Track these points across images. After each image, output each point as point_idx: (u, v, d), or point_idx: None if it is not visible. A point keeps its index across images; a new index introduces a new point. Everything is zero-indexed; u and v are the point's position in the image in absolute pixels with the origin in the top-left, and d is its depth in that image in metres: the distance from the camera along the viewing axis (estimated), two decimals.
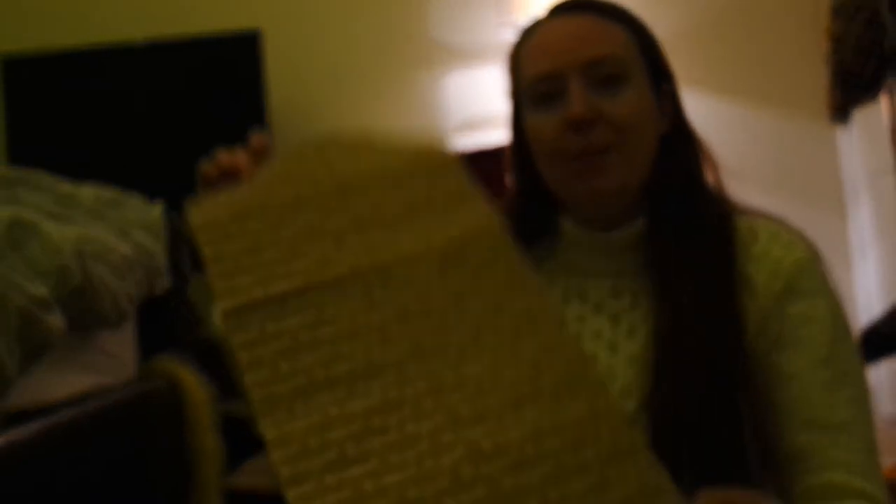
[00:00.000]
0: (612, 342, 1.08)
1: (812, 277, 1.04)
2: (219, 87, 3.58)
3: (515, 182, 1.17)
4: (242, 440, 2.55)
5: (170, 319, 2.19)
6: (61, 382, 1.65)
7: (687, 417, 0.98)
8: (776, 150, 3.48)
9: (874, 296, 3.06)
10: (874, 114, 2.76)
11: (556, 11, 1.10)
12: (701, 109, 3.55)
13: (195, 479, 1.98)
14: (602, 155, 1.04)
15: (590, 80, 1.04)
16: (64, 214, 1.80)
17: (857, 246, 3.33)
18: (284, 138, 3.63)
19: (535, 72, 1.07)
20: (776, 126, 3.56)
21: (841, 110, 2.37)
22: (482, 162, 3.16)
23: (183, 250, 2.27)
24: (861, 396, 1.00)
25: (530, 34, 1.10)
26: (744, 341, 1.01)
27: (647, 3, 3.40)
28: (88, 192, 1.99)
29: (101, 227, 1.86)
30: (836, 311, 1.03)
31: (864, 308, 3.15)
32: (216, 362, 2.31)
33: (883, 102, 2.56)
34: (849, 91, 2.33)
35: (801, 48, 3.51)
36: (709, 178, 1.11)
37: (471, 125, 3.47)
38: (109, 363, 1.88)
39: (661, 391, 1.00)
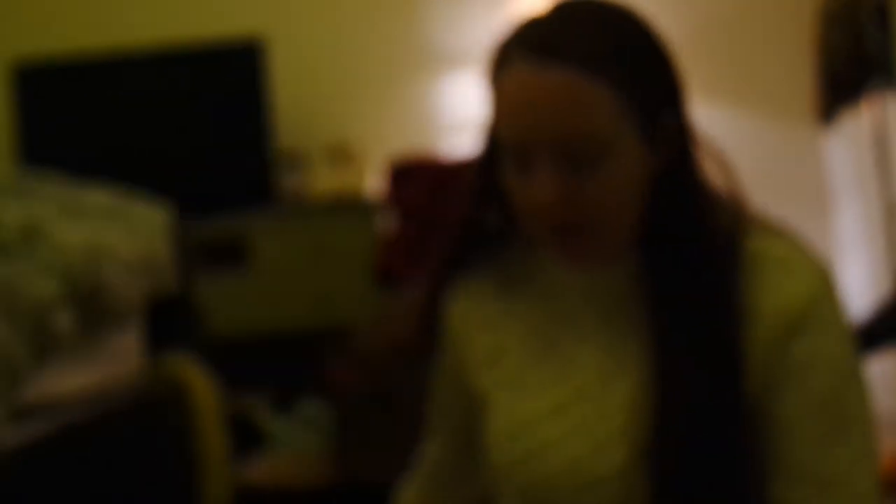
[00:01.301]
0: (604, 374, 0.99)
1: (821, 312, 0.93)
2: (222, 93, 3.62)
3: (478, 185, 1.05)
4: (248, 438, 2.58)
5: (177, 319, 2.20)
6: (69, 380, 1.67)
7: (689, 467, 0.92)
8: (761, 152, 3.50)
9: (860, 298, 3.08)
10: (859, 118, 2.78)
11: (531, 49, 0.91)
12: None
13: (202, 477, 1.99)
14: (575, 235, 0.94)
15: (561, 158, 0.91)
16: (73, 216, 1.82)
17: (843, 248, 3.34)
18: (284, 142, 3.67)
19: (502, 136, 0.95)
20: (761, 129, 3.58)
21: (826, 114, 2.39)
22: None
23: (188, 251, 2.29)
24: (862, 445, 0.93)
25: (502, 69, 0.94)
26: (747, 383, 0.93)
27: (637, 9, 3.43)
28: (98, 195, 2.01)
29: (110, 228, 1.88)
30: (843, 350, 0.94)
31: (850, 310, 3.15)
32: (222, 361, 2.35)
33: (866, 107, 2.59)
34: (833, 95, 2.35)
35: (786, 52, 3.54)
36: (722, 186, 0.99)
37: (469, 128, 3.49)
38: (117, 362, 1.89)
39: (661, 440, 0.93)
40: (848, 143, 3.22)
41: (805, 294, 0.93)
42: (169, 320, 2.17)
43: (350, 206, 3.46)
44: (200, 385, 2.02)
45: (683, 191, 0.96)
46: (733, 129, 3.57)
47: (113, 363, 1.87)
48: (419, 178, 3.18)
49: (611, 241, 0.96)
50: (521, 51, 0.92)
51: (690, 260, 0.95)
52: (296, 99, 3.78)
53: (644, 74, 0.93)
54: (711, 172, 0.99)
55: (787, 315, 0.93)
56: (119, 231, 1.90)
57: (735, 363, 0.93)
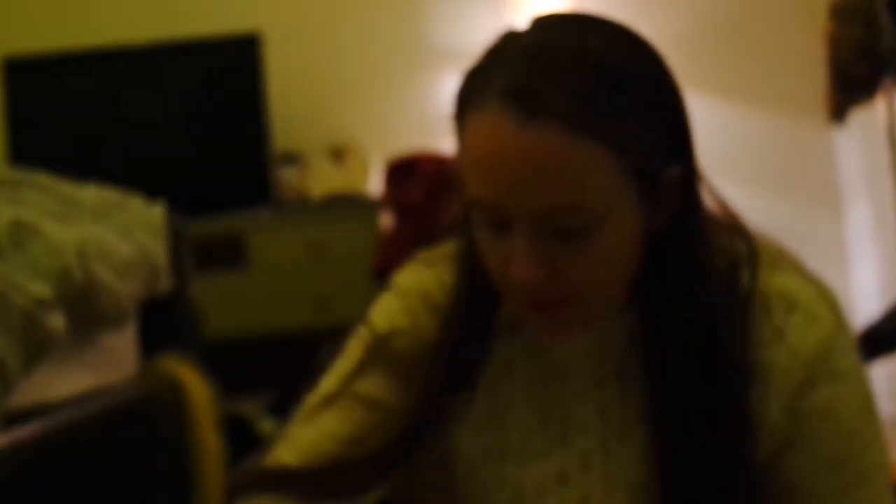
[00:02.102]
0: (604, 443, 0.91)
1: (834, 361, 0.87)
2: (218, 89, 3.59)
3: (465, 247, 0.91)
4: (245, 440, 2.56)
5: (171, 319, 2.19)
6: (63, 383, 1.65)
7: None
8: (773, 151, 3.48)
9: (871, 296, 3.06)
10: (871, 115, 2.76)
11: (511, 97, 0.76)
12: (698, 111, 3.52)
13: (197, 480, 1.97)
14: (558, 308, 0.82)
15: (545, 227, 0.78)
16: (66, 215, 1.80)
17: (854, 247, 3.33)
18: (283, 141, 3.65)
19: (474, 190, 0.80)
20: (773, 127, 3.56)
21: (838, 111, 2.38)
22: None
23: (184, 250, 2.27)
24: (878, 496, 0.87)
25: (473, 108, 0.79)
26: (758, 450, 0.86)
27: (645, 5, 3.42)
28: (90, 193, 1.99)
29: (102, 227, 1.86)
30: (857, 398, 0.88)
31: (861, 309, 3.15)
32: (219, 363, 2.33)
33: (880, 103, 2.57)
34: (846, 92, 2.33)
35: (798, 49, 3.52)
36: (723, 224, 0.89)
37: None
38: (111, 363, 1.88)
39: None
40: (860, 141, 3.20)
41: (816, 345, 0.86)
42: (165, 321, 2.15)
43: (350, 205, 3.44)
44: (196, 386, 2.00)
45: (684, 244, 0.85)
46: (743, 127, 3.55)
47: (107, 365, 1.86)
48: (417, 176, 3.16)
49: (599, 310, 0.86)
50: (499, 95, 0.76)
51: (690, 317, 0.85)
52: (295, 97, 3.76)
53: (645, 125, 0.78)
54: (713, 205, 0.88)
55: (799, 368, 0.86)
56: (113, 231, 1.89)
57: (744, 428, 0.85)
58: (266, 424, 2.67)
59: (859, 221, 3.30)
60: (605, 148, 0.75)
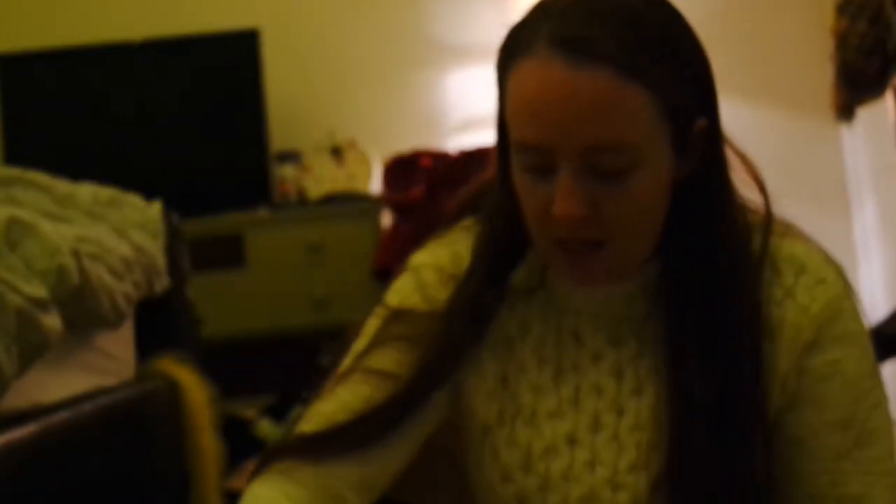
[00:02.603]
0: (617, 402, 0.95)
1: (841, 323, 0.91)
2: (217, 86, 3.57)
3: (501, 198, 0.96)
4: (242, 441, 2.54)
5: (169, 320, 2.17)
6: (59, 383, 1.64)
7: (707, 494, 0.88)
8: (780, 148, 3.47)
9: (879, 295, 3.05)
10: (879, 112, 2.74)
11: (562, 44, 0.82)
12: None
13: (195, 481, 1.96)
14: (592, 250, 0.88)
15: (587, 167, 0.84)
16: (61, 214, 1.79)
17: (862, 245, 3.31)
18: (282, 139, 3.63)
19: (519, 135, 0.86)
20: (780, 125, 3.55)
21: (845, 108, 2.36)
22: (482, 161, 3.16)
23: (182, 250, 2.25)
24: (882, 459, 0.90)
25: (522, 55, 0.85)
26: (770, 403, 0.90)
27: None
28: (86, 192, 1.97)
29: (99, 226, 1.85)
30: (863, 361, 0.91)
31: (869, 308, 3.13)
32: (217, 363, 2.31)
33: (888, 100, 2.54)
34: (853, 89, 2.32)
35: (804, 46, 3.50)
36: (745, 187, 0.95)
37: (470, 124, 3.46)
38: (107, 364, 1.87)
39: (680, 466, 0.89)
40: (868, 139, 3.19)
41: (825, 307, 0.90)
42: (162, 321, 2.14)
43: (350, 204, 3.42)
44: (193, 387, 2.00)
45: (710, 197, 0.91)
46: (750, 124, 3.54)
47: (104, 365, 1.85)
48: (417, 174, 3.14)
49: (630, 256, 0.91)
50: (550, 42, 0.83)
51: (711, 271, 0.90)
52: (294, 95, 3.74)
53: (682, 78, 0.86)
54: (738, 173, 0.94)
55: (807, 327, 0.90)
56: (109, 230, 1.87)
57: (757, 380, 0.89)
58: (264, 426, 2.65)
59: (867, 219, 3.29)
60: (647, 91, 0.82)
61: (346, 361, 1.01)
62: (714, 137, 0.91)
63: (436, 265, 1.03)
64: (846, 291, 0.93)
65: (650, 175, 0.85)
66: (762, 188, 0.95)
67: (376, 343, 0.99)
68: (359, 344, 1.01)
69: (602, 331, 0.96)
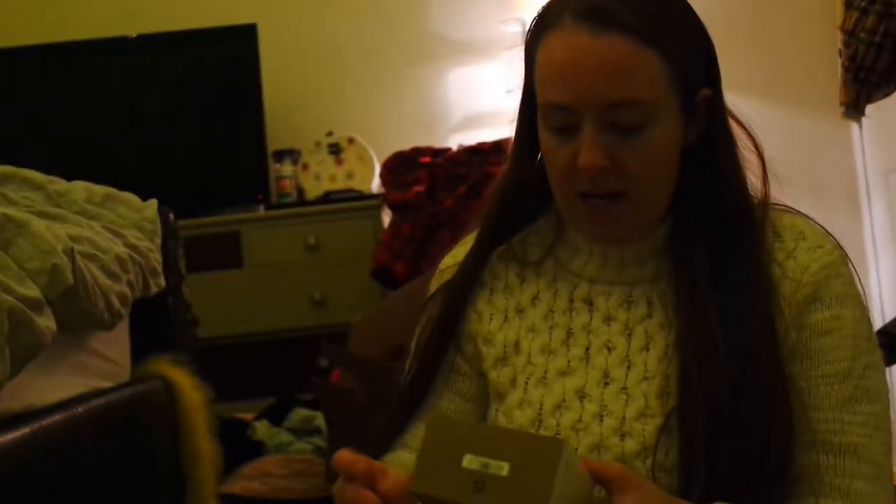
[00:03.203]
0: (626, 358, 1.02)
1: (838, 284, 0.98)
2: (215, 83, 3.55)
3: (514, 166, 1.10)
4: (239, 443, 2.53)
5: (165, 320, 2.15)
6: (52, 385, 1.62)
7: (715, 435, 0.92)
8: (789, 147, 3.43)
9: (888, 294, 3.03)
10: (889, 109, 2.71)
11: (585, 15, 0.95)
12: None
13: (191, 484, 1.95)
14: (613, 202, 0.98)
15: (608, 123, 0.95)
16: (55, 213, 1.77)
17: (871, 244, 3.29)
18: (280, 135, 3.61)
19: (548, 97, 0.98)
20: (789, 123, 3.53)
21: (854, 106, 2.33)
22: (483, 157, 3.13)
23: (178, 249, 2.23)
24: (879, 416, 0.95)
25: (549, 30, 0.98)
26: (777, 353, 0.95)
27: None
28: (80, 190, 1.95)
29: (93, 225, 1.83)
30: (860, 322, 0.98)
31: (878, 307, 3.11)
32: (213, 364, 2.29)
33: None
34: (862, 85, 2.29)
35: (813, 42, 3.49)
36: (751, 165, 1.04)
37: (471, 122, 3.45)
38: (102, 365, 1.85)
39: (687, 411, 0.94)
40: (879, 137, 3.17)
41: (822, 268, 0.98)
42: (158, 322, 2.12)
43: (349, 202, 3.39)
44: (189, 389, 1.98)
45: (716, 162, 1.01)
46: (760, 123, 3.49)
47: (98, 367, 1.83)
48: (417, 172, 3.12)
49: (646, 210, 1.00)
50: (574, 15, 0.95)
51: (720, 230, 0.99)
52: (292, 92, 3.72)
53: (689, 49, 0.98)
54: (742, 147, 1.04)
55: (807, 283, 0.97)
56: (104, 229, 1.86)
57: (766, 333, 0.95)
58: (261, 428, 2.64)
59: (877, 219, 3.27)
60: (660, 56, 0.95)
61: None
62: (718, 107, 1.02)
63: (455, 262, 1.16)
64: (843, 259, 1.00)
65: (662, 132, 0.96)
66: (760, 153, 1.04)
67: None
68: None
69: (614, 294, 1.05)
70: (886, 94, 2.34)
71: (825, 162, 3.49)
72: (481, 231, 1.13)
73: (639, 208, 1.00)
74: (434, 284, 1.17)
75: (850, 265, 1.01)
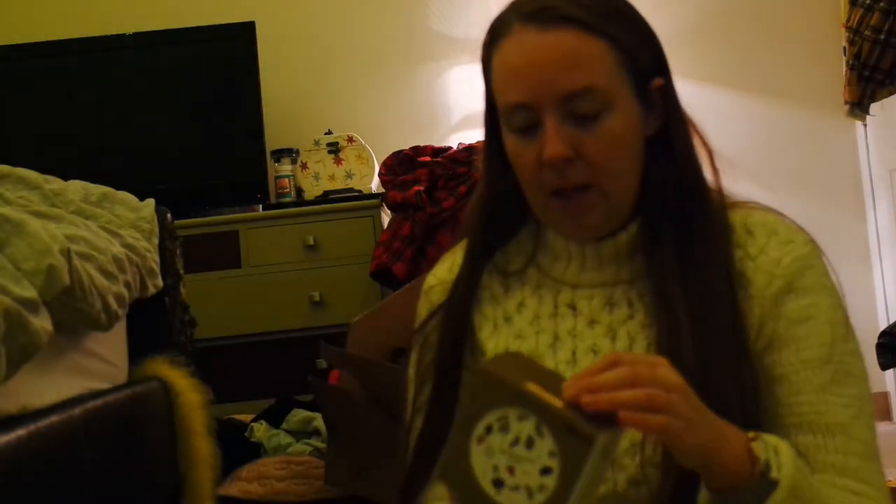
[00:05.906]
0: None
1: (812, 275, 1.00)
2: (213, 82, 3.54)
3: (488, 181, 1.12)
4: (237, 445, 2.51)
5: (162, 320, 2.14)
6: (49, 386, 1.61)
7: None
8: (793, 146, 3.44)
9: (892, 293, 3.01)
10: (894, 107, 2.69)
11: (531, 16, 1.00)
12: (716, 105, 3.51)
13: (188, 486, 1.94)
14: (582, 192, 1.01)
15: (567, 113, 0.98)
16: (52, 212, 1.76)
17: (876, 243, 3.27)
18: (279, 135, 3.59)
19: (507, 98, 1.01)
20: (793, 122, 3.51)
21: (859, 104, 2.31)
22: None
23: (175, 249, 2.22)
24: (861, 398, 0.97)
25: (501, 38, 1.02)
26: (749, 347, 0.98)
27: None
28: (77, 190, 1.95)
29: (90, 225, 1.82)
30: (836, 310, 1.00)
31: (882, 307, 3.09)
32: (211, 364, 2.28)
33: None
34: (867, 83, 2.27)
35: (817, 41, 3.48)
36: (705, 166, 1.07)
37: (471, 121, 3.44)
38: (99, 366, 1.84)
39: None
40: (883, 136, 3.15)
41: (795, 260, 1.00)
42: (156, 322, 2.11)
43: (348, 202, 3.38)
44: (186, 390, 1.97)
45: (675, 150, 1.03)
46: (764, 122, 3.51)
47: (95, 368, 1.82)
48: (416, 171, 3.11)
49: (616, 201, 1.02)
50: (522, 18, 1.00)
51: (688, 222, 1.02)
52: (291, 91, 3.71)
53: (636, 39, 1.02)
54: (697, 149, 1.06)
55: (780, 276, 0.99)
56: (101, 229, 1.85)
57: (736, 328, 0.97)
58: (260, 430, 2.63)
59: (882, 218, 3.25)
60: (608, 44, 0.98)
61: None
62: (671, 98, 1.05)
63: (439, 281, 1.18)
64: (816, 252, 1.02)
65: (621, 119, 1.00)
66: (708, 146, 1.07)
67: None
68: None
69: (596, 298, 1.07)
70: (891, 92, 2.33)
71: (830, 160, 3.48)
72: (468, 250, 1.14)
73: (609, 198, 1.02)
74: (422, 306, 1.18)
75: (825, 258, 1.03)
